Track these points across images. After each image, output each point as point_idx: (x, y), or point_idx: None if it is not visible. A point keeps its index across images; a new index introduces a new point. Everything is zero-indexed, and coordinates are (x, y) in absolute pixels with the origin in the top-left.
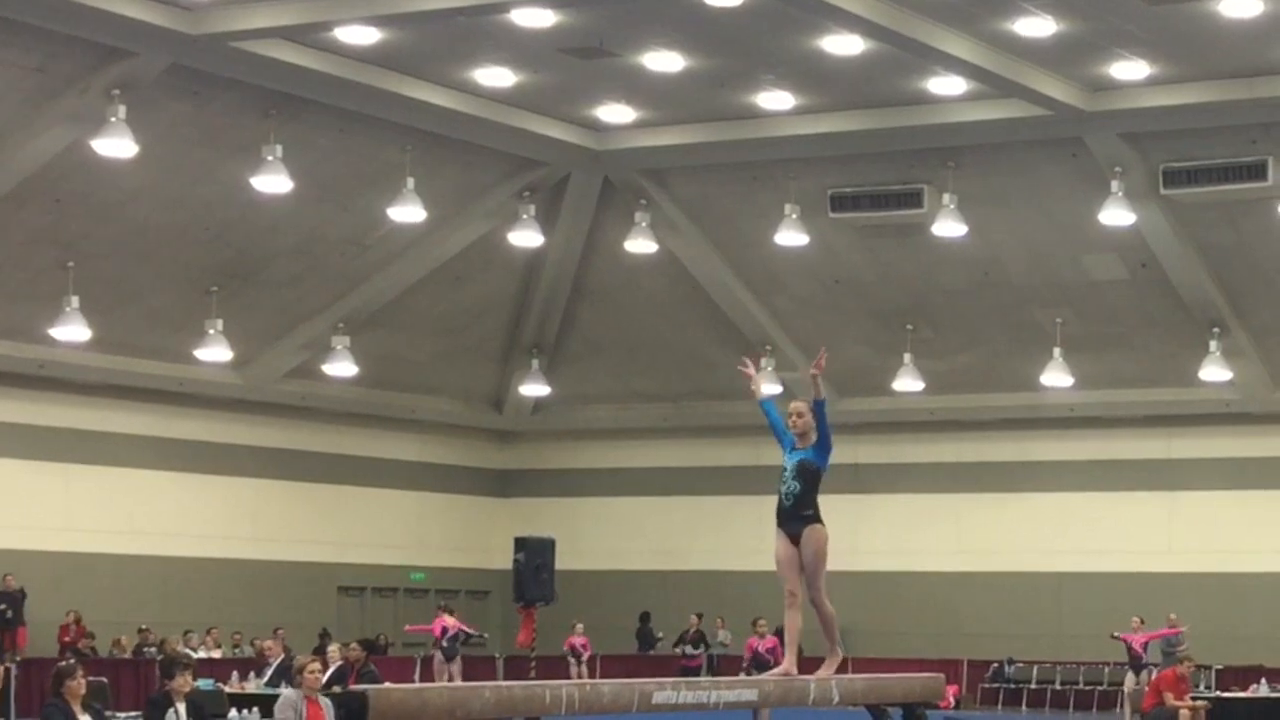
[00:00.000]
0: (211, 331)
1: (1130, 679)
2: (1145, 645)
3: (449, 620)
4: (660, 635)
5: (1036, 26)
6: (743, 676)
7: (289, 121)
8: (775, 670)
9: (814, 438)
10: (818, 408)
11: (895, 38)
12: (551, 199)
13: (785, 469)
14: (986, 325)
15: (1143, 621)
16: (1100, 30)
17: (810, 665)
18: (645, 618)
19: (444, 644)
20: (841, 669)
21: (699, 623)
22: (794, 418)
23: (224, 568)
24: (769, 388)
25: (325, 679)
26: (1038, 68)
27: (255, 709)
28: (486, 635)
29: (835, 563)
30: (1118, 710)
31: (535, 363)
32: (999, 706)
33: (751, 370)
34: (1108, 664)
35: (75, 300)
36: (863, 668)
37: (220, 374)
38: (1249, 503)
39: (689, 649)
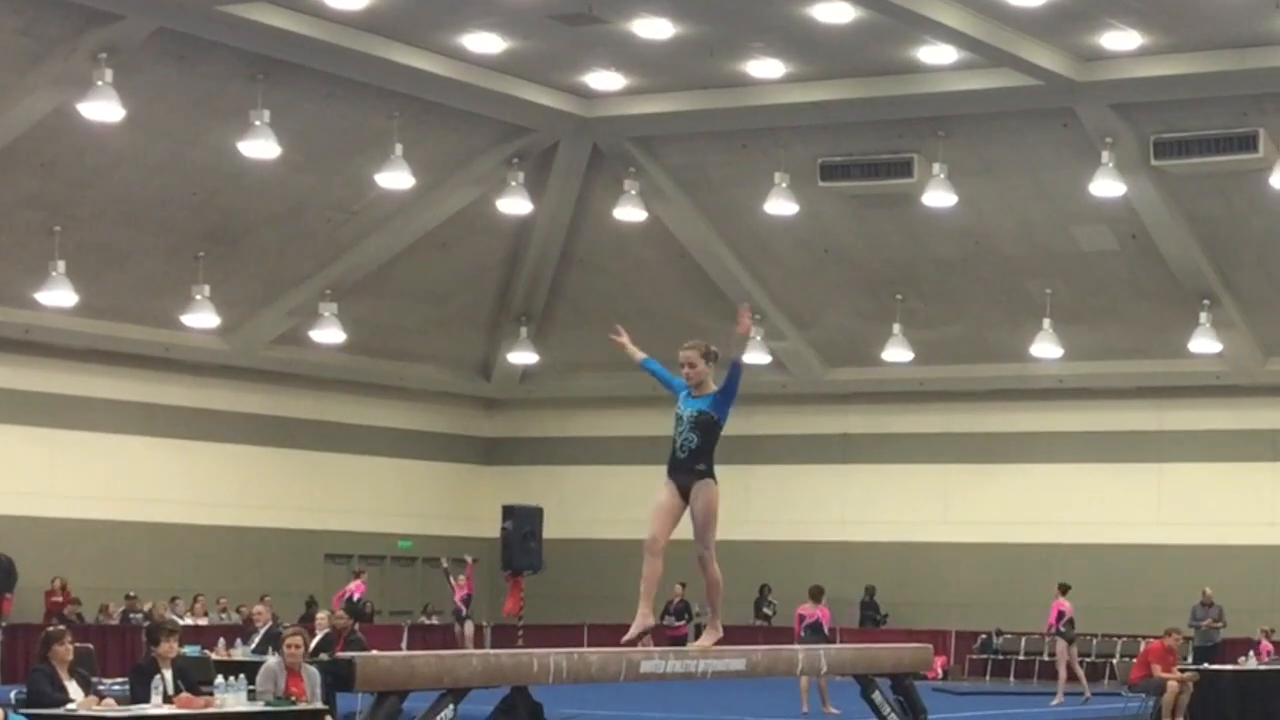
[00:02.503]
0: (198, 297)
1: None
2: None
3: (352, 584)
4: (771, 610)
5: None
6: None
7: (276, 86)
8: (634, 628)
9: (712, 387)
10: (734, 367)
11: (885, 6)
12: (540, 166)
13: (681, 418)
14: (976, 295)
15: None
16: (1091, 0)
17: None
18: (764, 589)
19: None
20: (829, 639)
21: (683, 592)
22: (686, 368)
23: (210, 534)
24: (755, 355)
25: (313, 646)
26: (1028, 37)
27: (242, 676)
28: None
29: (824, 533)
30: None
31: (523, 330)
32: (987, 677)
33: (623, 338)
34: (1095, 636)
35: (61, 265)
36: (851, 638)
37: (207, 340)
38: (1237, 475)
39: (673, 619)
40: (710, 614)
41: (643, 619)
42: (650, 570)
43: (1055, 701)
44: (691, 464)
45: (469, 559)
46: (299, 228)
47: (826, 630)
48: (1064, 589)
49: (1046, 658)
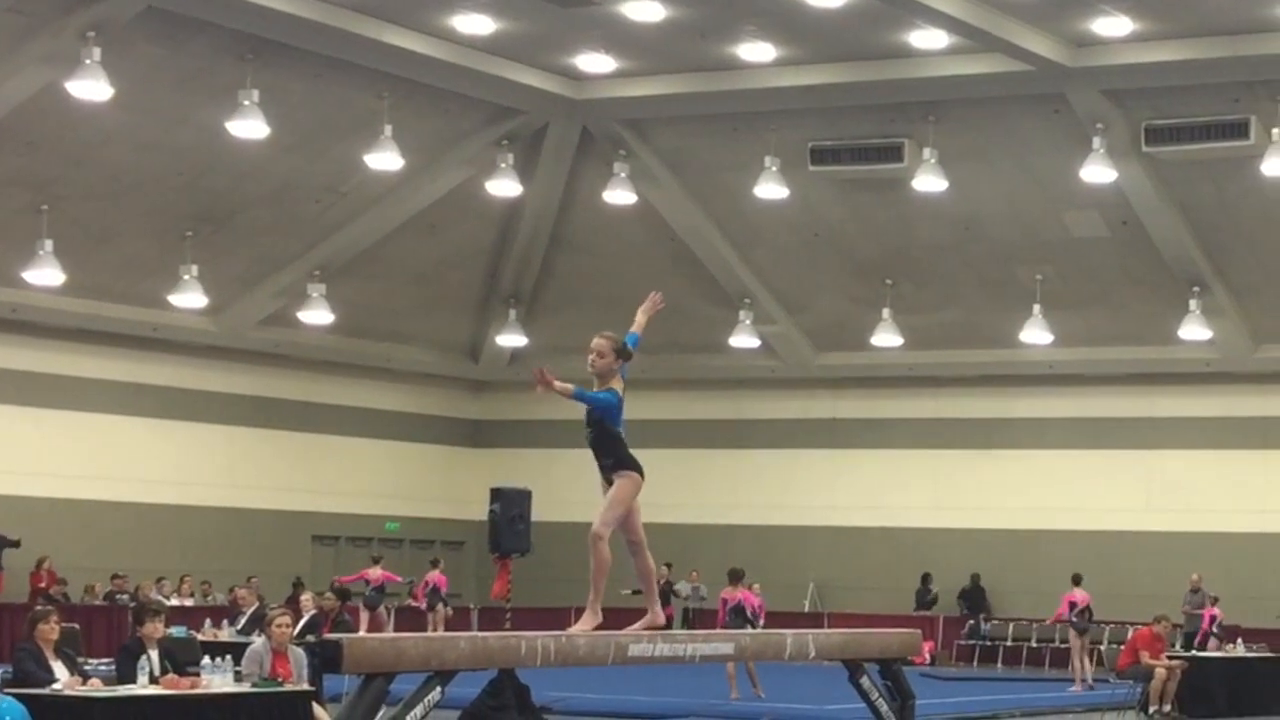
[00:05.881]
0: (186, 277)
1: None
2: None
3: (375, 571)
4: (934, 593)
5: None
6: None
7: (266, 66)
8: (639, 623)
9: (613, 384)
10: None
11: None
12: (530, 148)
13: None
14: (966, 281)
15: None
16: None
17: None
18: (926, 579)
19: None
20: (815, 624)
21: (668, 574)
22: (593, 355)
23: (197, 515)
24: (745, 339)
25: (299, 628)
26: (1020, 22)
27: (228, 657)
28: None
29: (813, 518)
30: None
31: (512, 313)
32: (974, 663)
33: (549, 381)
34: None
35: (49, 244)
36: (839, 623)
37: (195, 320)
38: (1227, 462)
39: None
40: (592, 596)
41: (653, 618)
42: (643, 569)
43: (1073, 689)
44: (602, 459)
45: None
46: (287, 208)
47: (750, 613)
48: (1076, 580)
49: (1034, 644)
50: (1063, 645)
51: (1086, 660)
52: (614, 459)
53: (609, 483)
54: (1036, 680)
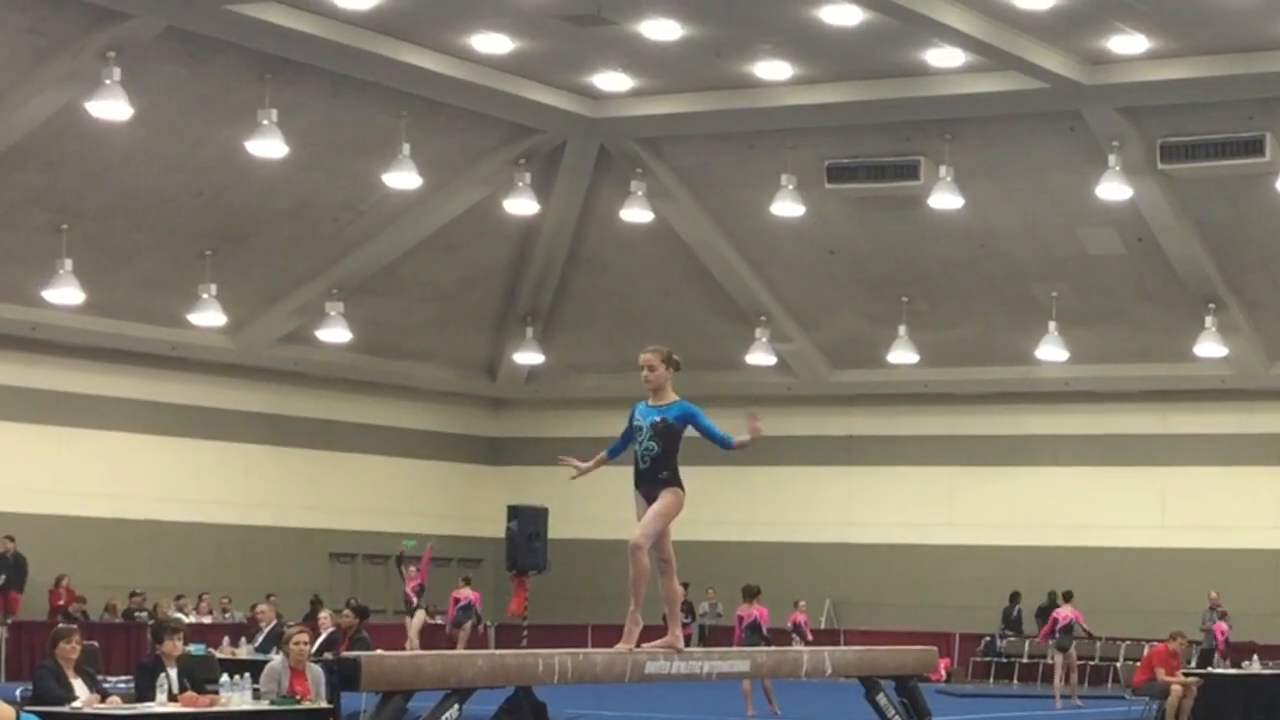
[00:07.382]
0: (205, 296)
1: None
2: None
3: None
4: (1019, 611)
5: None
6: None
7: (284, 86)
8: (657, 642)
9: (672, 395)
10: (724, 442)
11: (893, 8)
12: (547, 167)
13: (641, 427)
14: (982, 298)
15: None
16: (1099, 3)
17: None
18: (1015, 597)
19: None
20: (832, 640)
21: (684, 593)
22: (646, 371)
23: (215, 533)
24: (761, 357)
25: (317, 646)
26: (1036, 40)
27: (247, 674)
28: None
29: (828, 535)
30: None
31: (529, 331)
32: (990, 680)
33: (573, 463)
34: (1099, 639)
35: (68, 263)
36: (855, 640)
37: (213, 339)
38: (1242, 479)
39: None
40: (632, 606)
41: (672, 639)
42: (669, 591)
43: (1074, 705)
44: (655, 473)
45: (429, 543)
46: (306, 227)
47: (765, 630)
48: (1066, 596)
49: (1049, 661)
50: (1079, 662)
51: (1060, 679)
52: (670, 472)
53: (649, 501)
54: (1050, 697)
